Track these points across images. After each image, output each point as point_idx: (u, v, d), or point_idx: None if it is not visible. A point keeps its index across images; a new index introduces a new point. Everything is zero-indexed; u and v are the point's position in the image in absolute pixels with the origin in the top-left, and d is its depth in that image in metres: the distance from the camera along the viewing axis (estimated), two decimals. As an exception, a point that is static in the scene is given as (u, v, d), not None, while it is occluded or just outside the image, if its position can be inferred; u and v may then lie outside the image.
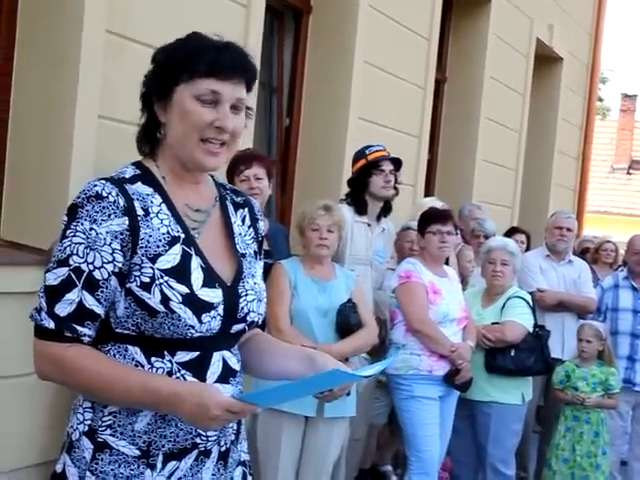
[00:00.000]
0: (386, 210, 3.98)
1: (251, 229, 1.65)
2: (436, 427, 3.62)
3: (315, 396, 1.51)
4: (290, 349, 1.65)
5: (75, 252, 1.42)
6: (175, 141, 1.50)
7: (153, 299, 1.43)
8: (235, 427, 1.56)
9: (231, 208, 1.62)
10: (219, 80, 1.47)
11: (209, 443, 1.50)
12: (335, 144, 4.53)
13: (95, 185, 1.45)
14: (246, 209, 1.65)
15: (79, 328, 1.43)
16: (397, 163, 3.93)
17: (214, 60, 1.46)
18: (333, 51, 4.53)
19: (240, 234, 1.61)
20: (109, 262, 1.43)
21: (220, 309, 1.48)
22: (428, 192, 5.73)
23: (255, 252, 1.64)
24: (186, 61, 1.47)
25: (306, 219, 3.27)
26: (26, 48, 2.98)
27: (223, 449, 1.53)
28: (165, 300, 1.43)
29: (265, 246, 3.35)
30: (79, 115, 2.90)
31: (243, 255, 1.59)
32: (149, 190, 1.49)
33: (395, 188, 3.95)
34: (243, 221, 1.64)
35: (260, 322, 1.60)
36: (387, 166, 3.86)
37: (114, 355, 1.47)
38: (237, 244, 1.59)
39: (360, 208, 3.86)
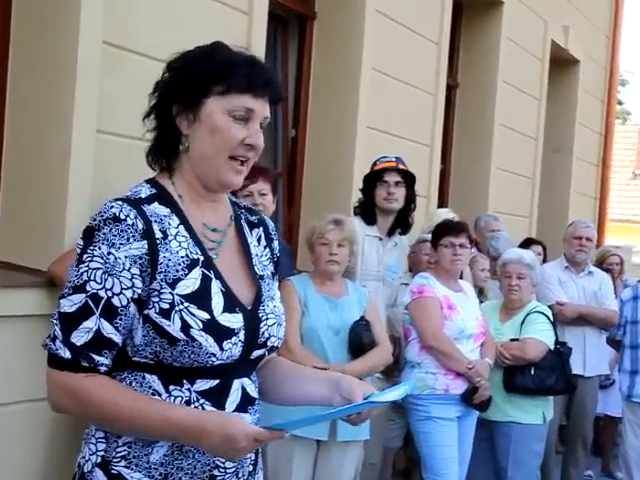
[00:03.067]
0: (404, 227, 3.87)
1: (267, 249, 1.60)
2: (454, 449, 3.53)
3: (341, 419, 1.48)
4: (313, 373, 1.64)
5: (92, 278, 1.38)
6: (200, 157, 1.45)
7: (173, 326, 1.38)
8: (253, 457, 1.52)
9: (246, 228, 1.58)
10: (254, 97, 1.44)
11: (227, 475, 1.46)
12: (343, 155, 4.44)
13: (112, 207, 1.40)
14: (261, 228, 1.61)
15: (96, 357, 1.38)
16: (409, 176, 3.81)
17: (250, 75, 1.43)
18: (339, 58, 4.44)
19: (257, 255, 1.57)
20: (128, 288, 1.38)
21: (241, 335, 1.44)
22: (442, 203, 5.63)
23: (272, 273, 1.60)
24: (220, 73, 1.43)
25: (315, 234, 3.23)
26: (20, 61, 2.90)
27: None
28: (185, 327, 1.38)
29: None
30: (76, 130, 2.82)
31: (261, 277, 1.55)
32: (166, 211, 1.44)
33: (411, 202, 3.82)
34: (259, 241, 1.59)
35: (279, 346, 1.57)
36: (391, 177, 3.75)
37: (130, 383, 1.43)
38: (255, 265, 1.55)
39: (369, 219, 3.77)
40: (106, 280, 1.37)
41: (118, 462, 1.41)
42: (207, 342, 1.39)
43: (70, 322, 1.38)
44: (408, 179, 3.81)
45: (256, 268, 1.55)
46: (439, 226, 3.80)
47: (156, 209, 1.43)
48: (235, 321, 1.43)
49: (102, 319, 1.37)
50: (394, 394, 1.47)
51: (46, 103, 2.85)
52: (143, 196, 1.45)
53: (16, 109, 2.90)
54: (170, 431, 1.36)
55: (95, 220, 1.40)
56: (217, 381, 1.44)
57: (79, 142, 2.82)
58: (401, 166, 3.81)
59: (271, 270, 1.60)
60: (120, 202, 1.41)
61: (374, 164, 3.85)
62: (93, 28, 2.85)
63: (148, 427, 1.37)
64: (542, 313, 3.89)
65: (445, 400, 3.52)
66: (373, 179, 3.78)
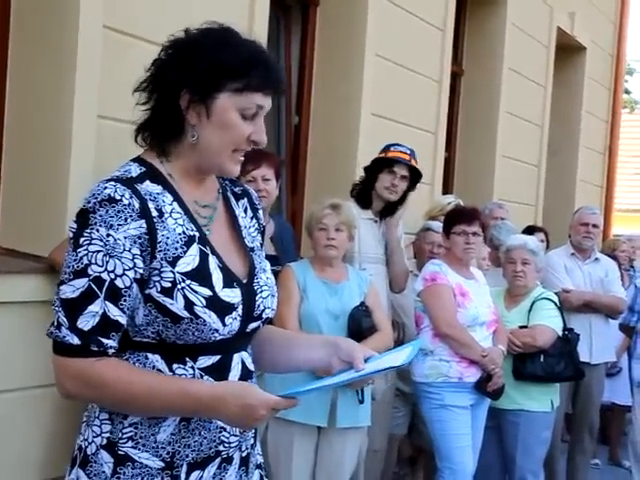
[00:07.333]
0: (389, 211, 3.76)
1: (253, 220, 1.61)
2: (469, 437, 3.50)
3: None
4: (309, 339, 1.66)
5: (93, 261, 1.35)
6: (207, 149, 1.45)
7: (176, 304, 1.38)
8: (253, 430, 1.55)
9: (233, 200, 1.58)
10: (265, 95, 1.45)
11: (231, 449, 1.48)
12: (347, 142, 4.37)
13: (106, 187, 1.37)
14: (245, 199, 1.61)
15: (105, 340, 1.37)
16: (416, 172, 3.72)
17: (267, 76, 1.44)
18: (343, 44, 4.38)
19: (245, 226, 1.58)
20: (130, 269, 1.37)
21: (240, 309, 1.45)
22: (446, 191, 5.55)
23: (260, 244, 1.62)
24: (238, 70, 1.42)
25: (313, 219, 3.20)
26: (21, 46, 2.87)
27: (244, 454, 1.52)
28: (189, 305, 1.38)
29: (272, 251, 3.21)
30: (77, 116, 2.79)
31: (252, 249, 1.56)
32: (159, 189, 1.43)
33: (406, 196, 3.73)
34: (245, 212, 1.60)
35: (272, 318, 1.58)
36: (400, 170, 3.66)
37: (134, 364, 1.42)
38: (245, 238, 1.55)
39: (364, 203, 3.69)
40: (107, 262, 1.35)
41: (125, 443, 1.41)
42: (210, 318, 1.39)
43: (74, 307, 1.35)
44: (413, 174, 3.72)
45: (246, 241, 1.55)
46: (451, 213, 3.74)
47: (148, 187, 1.42)
48: (234, 296, 1.43)
49: (107, 302, 1.36)
50: (397, 357, 1.44)
51: (47, 89, 2.82)
52: (134, 175, 1.42)
53: (17, 95, 2.87)
54: (188, 404, 1.36)
55: (89, 202, 1.37)
56: (218, 357, 1.44)
57: (80, 128, 2.79)
58: (413, 162, 3.72)
59: (259, 241, 1.61)
60: (113, 182, 1.38)
61: (387, 148, 3.74)
62: (93, 12, 2.81)
63: (166, 403, 1.37)
64: (549, 299, 3.85)
65: (459, 388, 3.48)
66: (381, 163, 3.70)
